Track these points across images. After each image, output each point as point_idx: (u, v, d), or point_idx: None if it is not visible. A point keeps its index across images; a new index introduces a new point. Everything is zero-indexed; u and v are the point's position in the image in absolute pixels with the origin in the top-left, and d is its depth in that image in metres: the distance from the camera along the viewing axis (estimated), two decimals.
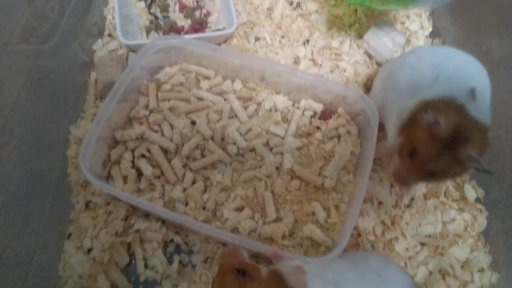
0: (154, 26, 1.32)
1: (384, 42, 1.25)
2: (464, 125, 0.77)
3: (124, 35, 1.21)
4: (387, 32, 1.24)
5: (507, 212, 0.98)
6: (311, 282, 0.68)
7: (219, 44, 1.29)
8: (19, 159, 0.94)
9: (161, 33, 1.32)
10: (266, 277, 0.70)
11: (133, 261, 1.00)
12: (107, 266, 0.98)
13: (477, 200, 1.05)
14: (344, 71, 1.24)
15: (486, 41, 1.10)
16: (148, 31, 1.32)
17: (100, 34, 1.32)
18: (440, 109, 0.77)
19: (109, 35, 1.32)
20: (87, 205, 1.05)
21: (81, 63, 1.22)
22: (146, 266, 0.99)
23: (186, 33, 1.31)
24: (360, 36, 1.31)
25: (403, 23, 1.35)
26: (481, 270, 0.98)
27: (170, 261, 1.00)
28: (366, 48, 1.28)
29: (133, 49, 1.26)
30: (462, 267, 0.99)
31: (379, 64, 1.28)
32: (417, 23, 1.34)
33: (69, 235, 1.02)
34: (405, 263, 0.99)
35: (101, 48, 1.28)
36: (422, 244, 1.02)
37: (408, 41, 1.30)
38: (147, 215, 1.04)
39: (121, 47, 1.28)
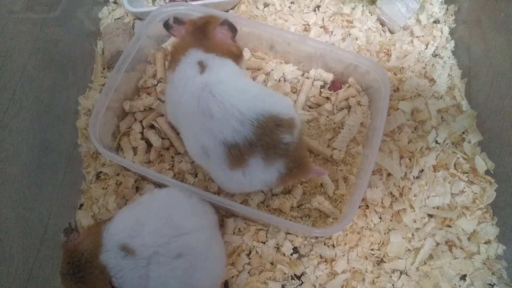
0: None
1: (397, 8, 1.20)
2: None
3: (130, 2, 1.18)
4: None
5: None
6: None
7: (227, 11, 1.26)
8: (29, 130, 0.95)
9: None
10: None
11: None
12: None
13: (487, 172, 1.04)
14: (356, 39, 1.21)
15: (505, 7, 1.05)
16: None
17: (106, 1, 1.29)
18: None
19: (115, 2, 1.29)
20: (97, 175, 1.07)
21: (88, 32, 1.20)
22: None
23: None
24: (373, 1, 1.26)
25: None
26: (488, 242, 0.99)
27: None
28: (378, 14, 1.24)
29: (139, 17, 1.23)
30: (469, 238, 1.00)
31: (391, 32, 1.24)
32: None
33: (81, 205, 1.04)
34: (412, 235, 0.99)
35: (106, 16, 1.25)
36: (430, 216, 1.02)
37: (422, 7, 1.24)
38: (157, 186, 1.05)
39: (127, 15, 1.25)
